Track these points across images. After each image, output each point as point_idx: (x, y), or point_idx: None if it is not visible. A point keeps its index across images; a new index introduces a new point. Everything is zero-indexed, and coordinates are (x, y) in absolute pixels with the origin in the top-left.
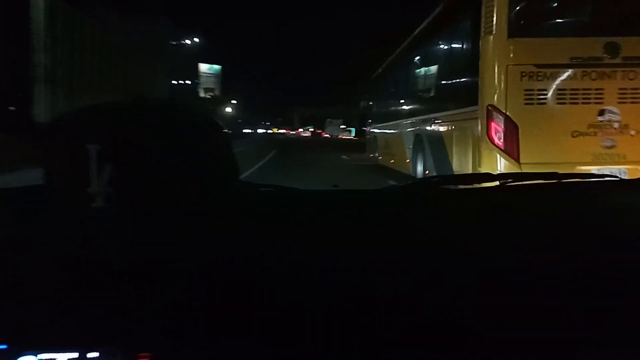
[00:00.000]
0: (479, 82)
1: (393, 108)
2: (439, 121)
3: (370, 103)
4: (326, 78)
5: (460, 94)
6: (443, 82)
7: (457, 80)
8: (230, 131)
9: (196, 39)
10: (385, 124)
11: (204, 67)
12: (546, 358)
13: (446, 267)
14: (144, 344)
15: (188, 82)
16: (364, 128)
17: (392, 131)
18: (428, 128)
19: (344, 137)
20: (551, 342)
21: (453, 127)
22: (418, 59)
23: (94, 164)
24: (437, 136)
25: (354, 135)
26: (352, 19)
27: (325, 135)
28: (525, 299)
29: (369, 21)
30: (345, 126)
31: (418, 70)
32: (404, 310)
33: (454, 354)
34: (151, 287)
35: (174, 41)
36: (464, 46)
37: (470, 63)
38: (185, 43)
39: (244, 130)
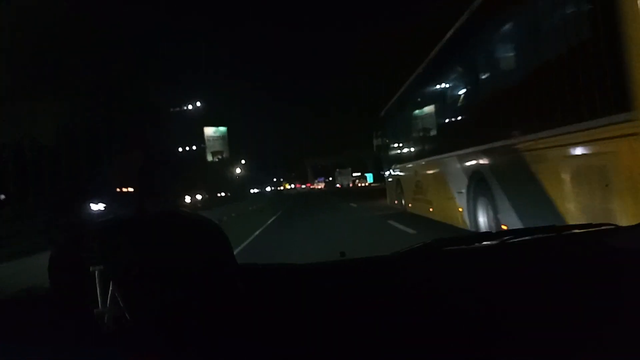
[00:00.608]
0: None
1: (423, 140)
2: (528, 149)
3: (387, 140)
4: (337, 124)
5: (576, 98)
6: (540, 79)
7: (572, 73)
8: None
9: (198, 103)
10: (413, 163)
11: (209, 131)
12: None
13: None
14: None
15: (194, 147)
16: (384, 172)
17: (427, 171)
18: (500, 161)
19: (359, 184)
20: None
21: (565, 155)
22: (478, 55)
23: (99, 284)
24: (523, 172)
25: (371, 181)
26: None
27: (337, 185)
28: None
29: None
30: (359, 173)
31: (474, 74)
32: None
33: None
34: None
35: (174, 108)
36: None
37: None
38: (187, 109)
39: (252, 191)
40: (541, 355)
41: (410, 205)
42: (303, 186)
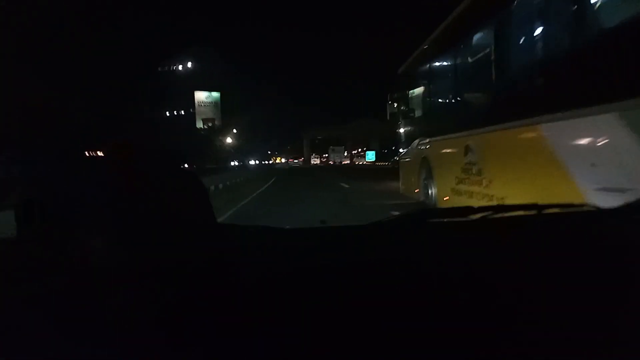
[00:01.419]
0: None
1: (501, 95)
2: None
3: (410, 104)
4: (341, 91)
5: None
6: None
7: None
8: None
9: (190, 64)
10: (469, 134)
11: (201, 96)
12: None
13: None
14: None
15: (182, 112)
16: (401, 148)
17: (506, 146)
18: None
19: (356, 162)
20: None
21: None
22: None
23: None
24: None
25: (372, 159)
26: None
27: (330, 162)
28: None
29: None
30: (358, 150)
31: None
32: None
33: None
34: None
35: (162, 67)
36: None
37: None
38: (177, 69)
39: (232, 163)
40: (525, 333)
41: (447, 198)
42: (295, 161)
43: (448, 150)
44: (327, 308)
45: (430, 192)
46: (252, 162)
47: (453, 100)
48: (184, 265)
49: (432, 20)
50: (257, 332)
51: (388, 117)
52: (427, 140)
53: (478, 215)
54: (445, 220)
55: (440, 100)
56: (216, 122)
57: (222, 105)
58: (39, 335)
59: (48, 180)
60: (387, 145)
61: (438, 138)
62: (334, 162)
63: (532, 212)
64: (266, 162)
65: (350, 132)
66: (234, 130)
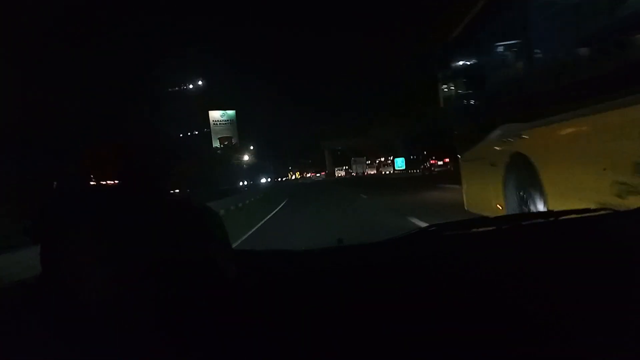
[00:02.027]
0: None
1: None
2: None
3: (471, 82)
4: (359, 99)
5: None
6: None
7: None
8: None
9: (200, 82)
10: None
11: (215, 115)
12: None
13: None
14: None
15: (196, 132)
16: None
17: None
18: None
19: (382, 172)
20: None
21: None
22: None
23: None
24: None
25: (402, 167)
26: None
27: (353, 174)
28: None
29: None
30: (385, 158)
31: None
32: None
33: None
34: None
35: (172, 87)
36: None
37: None
38: (188, 88)
39: (241, 184)
40: (538, 338)
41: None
42: (318, 175)
43: (582, 138)
44: (340, 328)
45: (532, 204)
46: (263, 180)
47: (580, 54)
48: (198, 296)
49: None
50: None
51: (441, 104)
52: (522, 126)
53: (494, 227)
54: (461, 233)
55: (549, 59)
56: (233, 141)
57: (238, 123)
58: (40, 336)
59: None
60: (415, 151)
61: (555, 118)
62: (357, 174)
63: (549, 219)
64: (280, 179)
65: (372, 139)
66: (251, 147)
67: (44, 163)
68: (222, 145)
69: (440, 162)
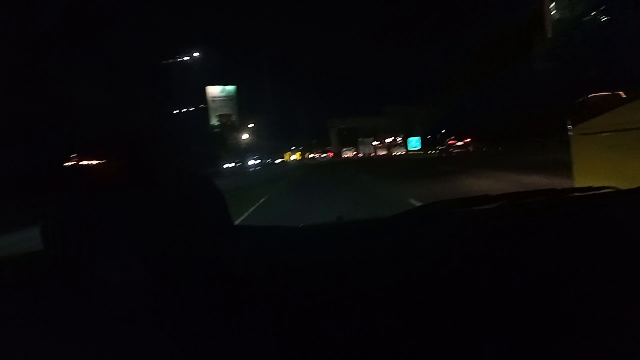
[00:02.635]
0: None
1: None
2: None
3: None
4: (372, 73)
5: None
6: None
7: None
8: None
9: (196, 54)
10: None
11: (214, 90)
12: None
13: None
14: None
15: (192, 108)
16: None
17: None
18: None
19: (393, 153)
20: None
21: None
22: None
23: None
24: None
25: (417, 147)
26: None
27: (359, 155)
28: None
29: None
30: (394, 138)
31: None
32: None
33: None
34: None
35: (167, 59)
36: None
37: None
38: (184, 60)
39: (226, 166)
40: (540, 325)
41: None
42: (324, 155)
43: None
44: (341, 305)
45: None
46: (251, 162)
47: None
48: (194, 263)
49: None
50: (270, 332)
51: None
52: None
53: (496, 204)
54: (462, 209)
55: None
56: (233, 119)
57: (238, 100)
58: (43, 336)
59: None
60: (431, 130)
61: None
62: (364, 154)
63: (552, 198)
64: (273, 160)
65: (383, 120)
66: (250, 126)
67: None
68: (219, 123)
69: (459, 143)
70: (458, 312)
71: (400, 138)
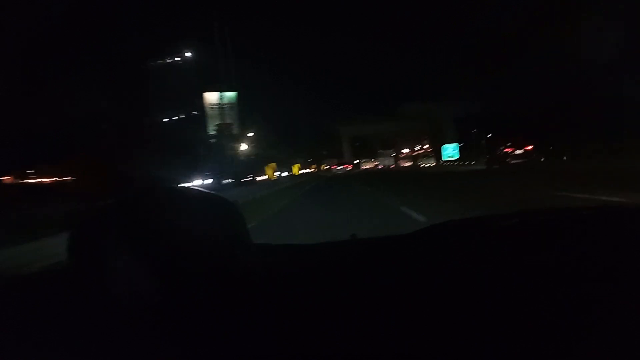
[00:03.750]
0: None
1: None
2: None
3: None
4: (381, 76)
5: None
6: None
7: None
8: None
9: (189, 54)
10: None
11: (211, 97)
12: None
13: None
14: None
15: (182, 116)
16: None
17: None
18: None
19: (420, 165)
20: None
21: None
22: None
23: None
24: None
25: (453, 156)
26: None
27: (379, 167)
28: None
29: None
30: (420, 146)
31: None
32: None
33: None
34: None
35: (156, 60)
36: None
37: None
38: (175, 61)
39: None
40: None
41: None
42: (339, 168)
43: None
44: (341, 306)
45: None
46: (225, 181)
47: None
48: (200, 269)
49: None
50: (270, 332)
51: None
52: None
53: (511, 222)
54: (478, 227)
55: None
56: (233, 128)
57: (240, 107)
58: (42, 336)
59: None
60: (468, 134)
61: None
62: (383, 166)
63: (566, 215)
64: (251, 178)
65: (403, 125)
66: (250, 135)
67: None
68: (213, 132)
69: (519, 151)
70: (458, 312)
71: (428, 145)
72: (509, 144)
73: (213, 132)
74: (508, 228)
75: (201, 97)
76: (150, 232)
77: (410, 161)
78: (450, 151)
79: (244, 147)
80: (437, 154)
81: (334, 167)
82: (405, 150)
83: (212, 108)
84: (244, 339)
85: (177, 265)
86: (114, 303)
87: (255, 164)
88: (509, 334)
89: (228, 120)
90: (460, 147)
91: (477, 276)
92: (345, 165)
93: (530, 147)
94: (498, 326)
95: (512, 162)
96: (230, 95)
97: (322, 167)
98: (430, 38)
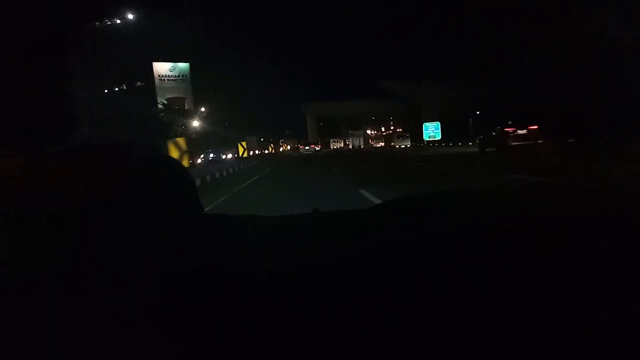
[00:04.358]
0: None
1: None
2: None
3: None
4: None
5: None
6: None
7: None
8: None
9: (130, 16)
10: None
11: (162, 68)
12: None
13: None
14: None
15: (123, 87)
16: None
17: None
18: None
19: (396, 146)
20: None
21: None
22: None
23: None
24: None
25: (435, 136)
26: None
27: (349, 147)
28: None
29: None
30: (392, 129)
31: None
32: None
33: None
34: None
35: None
36: None
37: None
38: (114, 23)
39: None
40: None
41: None
42: (307, 148)
43: None
44: (340, 305)
45: None
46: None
47: None
48: (169, 257)
49: None
50: (268, 332)
51: None
52: None
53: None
54: (441, 203)
55: None
56: (186, 103)
57: (192, 80)
58: (37, 335)
59: None
60: (454, 117)
61: None
62: (353, 146)
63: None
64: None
65: (378, 106)
66: (202, 109)
67: None
68: (160, 105)
69: (521, 131)
70: (458, 312)
71: (401, 129)
72: (509, 122)
73: (160, 107)
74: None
75: (150, 68)
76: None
77: (382, 141)
78: (432, 131)
79: (195, 123)
80: (413, 135)
81: (302, 146)
82: (374, 132)
83: (161, 80)
84: (223, 320)
85: (172, 261)
86: (107, 299)
87: (207, 142)
88: (508, 333)
89: (179, 94)
90: (448, 127)
91: (476, 274)
92: (312, 145)
93: (534, 127)
94: (497, 326)
95: (513, 144)
96: (182, 66)
97: (283, 148)
98: (405, 18)
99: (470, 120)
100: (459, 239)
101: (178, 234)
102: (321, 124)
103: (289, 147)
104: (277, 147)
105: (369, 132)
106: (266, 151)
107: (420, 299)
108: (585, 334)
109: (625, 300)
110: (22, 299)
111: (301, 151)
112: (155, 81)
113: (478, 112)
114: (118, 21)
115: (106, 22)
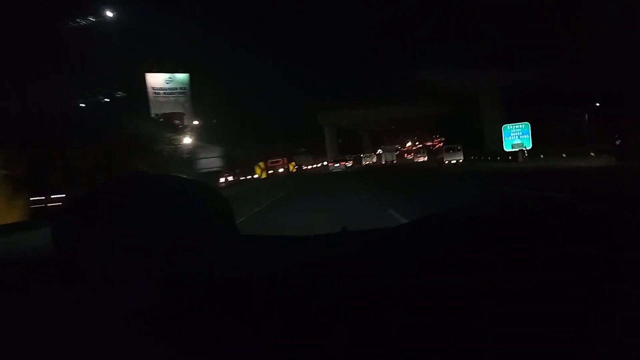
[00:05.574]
0: None
1: None
2: None
3: None
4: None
5: None
6: None
7: None
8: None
9: (109, 13)
10: None
11: (156, 80)
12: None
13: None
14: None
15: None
16: None
17: None
18: None
19: (446, 161)
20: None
21: None
22: None
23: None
24: None
25: (528, 146)
26: None
27: (383, 162)
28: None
29: None
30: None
31: None
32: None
33: None
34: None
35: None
36: None
37: None
38: (89, 20)
39: None
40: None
41: None
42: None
43: None
44: (341, 305)
45: None
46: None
47: None
48: (196, 268)
49: None
50: (268, 332)
51: None
52: None
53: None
54: (469, 216)
55: None
56: (184, 119)
57: (192, 93)
58: (37, 336)
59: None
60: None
61: None
62: (386, 161)
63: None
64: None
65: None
66: (195, 122)
67: None
68: (157, 118)
69: None
70: (458, 312)
71: (442, 142)
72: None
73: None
74: (503, 222)
75: (137, 76)
76: (135, 220)
77: (423, 155)
78: (518, 136)
79: (186, 140)
80: (465, 144)
81: (331, 163)
82: (409, 144)
83: (156, 93)
84: (224, 322)
85: (172, 262)
86: (105, 299)
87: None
88: (508, 333)
89: (178, 109)
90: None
91: (476, 273)
92: (343, 162)
93: None
94: (497, 325)
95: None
96: (181, 77)
97: (291, 166)
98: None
99: (586, 115)
100: (459, 238)
101: (213, 252)
102: (340, 140)
103: (309, 167)
104: (299, 162)
105: (408, 144)
106: (281, 170)
107: (420, 299)
108: (585, 334)
109: (627, 300)
110: (22, 299)
111: (330, 169)
112: (149, 95)
113: (598, 104)
114: (92, 19)
115: (82, 22)
